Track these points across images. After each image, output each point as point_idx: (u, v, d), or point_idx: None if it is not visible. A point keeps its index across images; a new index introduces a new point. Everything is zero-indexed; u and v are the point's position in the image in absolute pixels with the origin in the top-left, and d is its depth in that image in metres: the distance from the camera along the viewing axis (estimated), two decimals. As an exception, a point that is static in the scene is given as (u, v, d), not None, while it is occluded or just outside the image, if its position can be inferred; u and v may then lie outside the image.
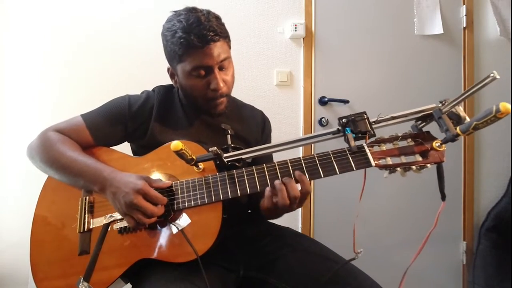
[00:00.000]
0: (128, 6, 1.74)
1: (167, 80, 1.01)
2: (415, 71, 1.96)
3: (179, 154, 0.73)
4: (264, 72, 1.84)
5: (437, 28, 1.96)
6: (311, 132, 1.84)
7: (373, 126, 0.76)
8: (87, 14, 1.71)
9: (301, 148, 1.78)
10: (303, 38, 1.87)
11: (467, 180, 1.96)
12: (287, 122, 1.86)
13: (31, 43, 1.67)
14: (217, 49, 0.85)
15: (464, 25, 1.99)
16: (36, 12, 1.68)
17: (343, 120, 0.77)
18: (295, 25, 1.83)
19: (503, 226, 1.84)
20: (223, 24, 0.89)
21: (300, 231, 1.81)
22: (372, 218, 1.87)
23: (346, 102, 1.86)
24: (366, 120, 0.76)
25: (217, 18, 0.89)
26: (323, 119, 1.85)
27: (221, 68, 0.89)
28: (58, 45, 1.69)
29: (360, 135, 0.75)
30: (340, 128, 0.78)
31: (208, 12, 0.88)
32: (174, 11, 0.90)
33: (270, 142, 1.11)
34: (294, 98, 1.87)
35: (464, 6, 1.99)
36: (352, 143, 0.74)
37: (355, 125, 0.75)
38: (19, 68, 1.66)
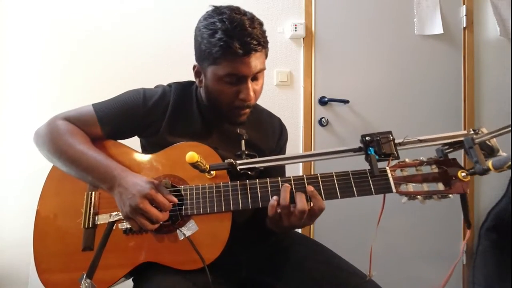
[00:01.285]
0: (128, 6, 1.74)
1: (166, 80, 1.00)
2: (415, 71, 1.96)
3: (194, 165, 0.69)
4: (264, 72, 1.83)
5: (437, 28, 1.96)
6: (311, 132, 1.84)
7: (398, 148, 0.71)
8: (87, 13, 1.71)
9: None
10: (303, 38, 1.87)
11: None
12: (287, 122, 1.82)
13: (30, 43, 1.67)
14: (256, 59, 0.81)
15: (464, 25, 1.99)
16: (35, 11, 1.68)
17: (367, 138, 0.72)
18: (295, 25, 1.83)
19: (503, 226, 1.84)
20: (265, 32, 0.83)
21: (300, 231, 1.81)
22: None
23: (346, 102, 1.86)
24: (392, 142, 0.71)
25: (261, 24, 0.82)
26: (323, 119, 1.85)
27: (253, 79, 0.84)
28: (57, 44, 1.69)
29: (383, 157, 0.71)
30: (362, 146, 0.73)
31: (253, 16, 0.82)
32: (215, 6, 0.83)
33: (284, 151, 1.07)
34: (294, 98, 1.87)
35: (464, 6, 1.99)
36: (376, 167, 0.69)
37: (380, 146, 0.71)
38: (18, 68, 1.66)
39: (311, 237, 1.82)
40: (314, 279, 0.82)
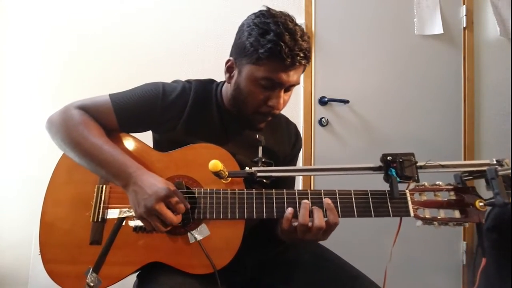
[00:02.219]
0: (128, 5, 1.74)
1: (167, 79, 0.99)
2: (415, 71, 1.96)
3: (216, 174, 0.69)
4: (264, 72, 1.83)
5: (437, 28, 1.96)
6: (311, 132, 1.84)
7: (419, 171, 0.71)
8: (87, 13, 1.71)
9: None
10: (303, 38, 1.87)
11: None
12: None
13: (30, 42, 1.67)
14: (297, 72, 0.80)
15: (464, 25, 1.99)
16: (36, 11, 1.68)
17: (389, 158, 0.71)
18: (295, 25, 1.83)
19: (503, 226, 1.84)
20: (311, 48, 0.82)
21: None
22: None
23: (346, 102, 1.85)
24: (414, 165, 0.70)
25: (309, 39, 0.82)
26: (323, 119, 1.85)
27: (286, 90, 0.83)
28: (57, 44, 1.68)
29: (404, 179, 0.70)
30: (382, 165, 0.72)
31: (304, 29, 0.82)
32: (268, 8, 0.82)
33: (297, 158, 1.06)
34: (294, 98, 1.85)
35: (464, 6, 1.99)
36: (397, 189, 0.69)
37: (402, 168, 0.70)
38: (18, 67, 1.66)
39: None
40: (319, 282, 0.82)
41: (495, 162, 0.69)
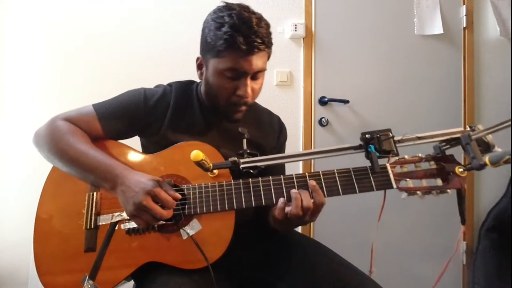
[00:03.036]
0: (128, 5, 1.74)
1: (167, 79, 1.00)
2: (415, 71, 1.96)
3: (199, 164, 0.70)
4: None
5: (437, 28, 1.96)
6: (311, 132, 1.84)
7: (397, 145, 0.73)
8: (87, 12, 1.71)
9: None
10: (303, 38, 1.87)
11: (467, 180, 1.95)
12: (287, 122, 1.81)
13: (30, 43, 1.67)
14: (259, 58, 0.82)
15: (464, 25, 1.99)
16: (36, 10, 1.68)
17: (367, 136, 0.74)
18: (295, 25, 1.83)
19: (503, 226, 1.84)
20: (271, 33, 0.84)
21: (300, 231, 1.81)
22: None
23: (346, 102, 1.86)
24: (392, 139, 0.73)
25: (268, 25, 0.84)
26: (323, 119, 1.85)
27: (253, 77, 0.85)
28: (57, 44, 1.69)
29: (383, 154, 0.72)
30: (362, 143, 0.75)
31: (261, 16, 0.83)
32: (225, 2, 0.85)
33: (284, 149, 1.08)
34: (294, 98, 1.87)
35: (464, 6, 1.99)
36: (377, 163, 0.72)
37: (380, 143, 0.72)
38: (19, 67, 1.66)
39: (311, 236, 1.82)
40: (315, 278, 0.82)
41: (468, 129, 0.71)
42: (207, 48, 0.84)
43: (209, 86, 0.88)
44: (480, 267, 1.85)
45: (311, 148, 1.80)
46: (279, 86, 1.85)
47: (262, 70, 0.86)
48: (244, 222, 0.85)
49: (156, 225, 0.78)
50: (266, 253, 0.91)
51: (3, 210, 1.62)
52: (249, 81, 0.84)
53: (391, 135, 0.73)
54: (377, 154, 0.72)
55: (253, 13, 0.82)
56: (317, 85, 1.87)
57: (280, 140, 1.05)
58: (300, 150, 1.80)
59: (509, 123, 0.68)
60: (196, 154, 0.68)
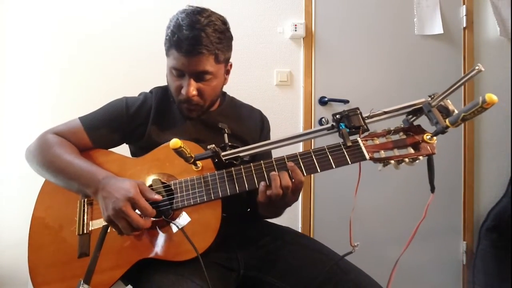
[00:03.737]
0: (128, 6, 1.74)
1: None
2: (415, 71, 1.96)
3: (178, 151, 0.72)
4: (264, 72, 1.84)
5: (437, 28, 1.96)
6: (311, 132, 1.84)
7: (367, 121, 0.78)
8: (87, 13, 1.71)
9: (301, 146, 1.78)
10: (303, 38, 1.87)
11: (467, 180, 1.96)
12: (287, 122, 1.86)
13: (30, 43, 1.67)
14: (200, 61, 0.84)
15: (464, 25, 1.99)
16: (35, 11, 1.68)
17: (337, 116, 0.78)
18: (295, 25, 1.83)
19: (503, 226, 1.84)
20: (221, 39, 0.85)
21: (300, 231, 1.81)
22: (369, 214, 1.87)
23: (346, 102, 1.86)
24: (359, 115, 0.77)
25: (217, 30, 0.85)
26: (323, 119, 1.85)
27: (199, 79, 0.87)
28: (57, 43, 1.69)
29: (354, 130, 0.76)
30: (334, 124, 0.79)
31: (211, 21, 0.84)
32: (189, 6, 0.90)
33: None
34: (294, 98, 1.87)
35: (464, 6, 1.99)
36: (348, 138, 0.76)
37: (349, 120, 0.77)
38: (19, 69, 1.66)
39: (311, 235, 1.82)
40: (314, 277, 0.83)
41: (428, 98, 0.76)
42: (164, 47, 0.90)
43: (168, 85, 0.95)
44: (480, 267, 1.85)
45: (310, 145, 1.80)
46: (279, 86, 1.85)
47: (207, 72, 0.86)
48: (236, 219, 0.87)
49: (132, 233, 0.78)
50: (261, 252, 0.92)
51: (3, 210, 1.62)
52: (192, 81, 0.86)
53: (359, 111, 0.78)
54: (347, 130, 0.76)
55: (205, 16, 0.84)
56: (317, 85, 1.87)
57: (264, 133, 1.08)
58: (300, 150, 1.80)
59: (461, 82, 0.74)
60: (175, 141, 0.70)
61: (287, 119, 1.86)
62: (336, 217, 1.83)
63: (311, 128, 1.84)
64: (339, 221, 1.83)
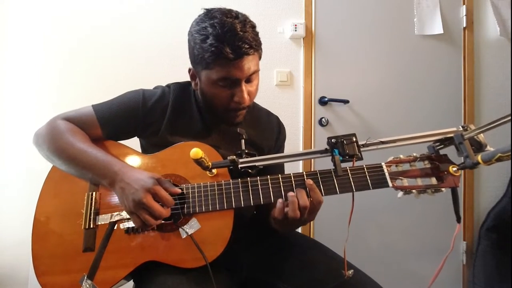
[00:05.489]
0: (128, 3, 1.74)
1: (168, 78, 1.00)
2: (415, 71, 1.96)
3: (198, 162, 0.71)
4: (264, 72, 1.82)
5: (437, 28, 1.96)
6: (311, 132, 1.84)
7: (362, 150, 0.75)
8: (87, 10, 1.71)
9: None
10: (303, 38, 1.87)
11: (467, 180, 1.96)
12: (287, 122, 1.83)
13: (30, 42, 1.67)
14: (249, 62, 0.80)
15: (464, 25, 1.99)
16: (35, 10, 1.68)
17: (333, 140, 0.76)
18: (295, 25, 1.83)
19: (503, 226, 1.84)
20: (257, 34, 0.83)
21: (300, 231, 1.81)
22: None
23: (346, 102, 1.86)
24: (355, 143, 0.75)
25: (253, 27, 0.82)
26: (323, 119, 1.85)
27: (247, 81, 0.84)
28: (57, 43, 1.69)
29: (347, 157, 0.74)
30: (328, 148, 0.77)
31: (245, 19, 0.81)
32: (206, 10, 0.84)
33: (283, 149, 1.08)
34: (294, 98, 1.87)
35: (464, 6, 1.99)
36: (339, 167, 0.74)
37: (343, 147, 0.75)
38: (18, 66, 1.66)
39: (311, 235, 1.82)
40: (315, 277, 0.83)
41: (461, 129, 0.72)
42: (196, 60, 0.83)
43: (205, 97, 0.88)
44: (480, 267, 1.85)
45: (311, 148, 1.80)
46: (279, 86, 1.85)
47: (255, 72, 0.85)
48: (243, 223, 0.85)
49: (155, 226, 0.78)
50: (266, 253, 0.92)
51: (3, 210, 1.62)
52: (244, 86, 0.83)
53: (354, 139, 0.76)
54: (340, 158, 0.74)
55: (236, 17, 0.81)
56: (317, 85, 1.87)
57: (279, 140, 1.05)
58: (300, 150, 1.80)
59: (499, 122, 0.69)
60: (196, 151, 0.69)
61: (287, 119, 1.85)
62: (337, 217, 1.83)
63: (311, 128, 1.85)
64: (339, 221, 1.83)
